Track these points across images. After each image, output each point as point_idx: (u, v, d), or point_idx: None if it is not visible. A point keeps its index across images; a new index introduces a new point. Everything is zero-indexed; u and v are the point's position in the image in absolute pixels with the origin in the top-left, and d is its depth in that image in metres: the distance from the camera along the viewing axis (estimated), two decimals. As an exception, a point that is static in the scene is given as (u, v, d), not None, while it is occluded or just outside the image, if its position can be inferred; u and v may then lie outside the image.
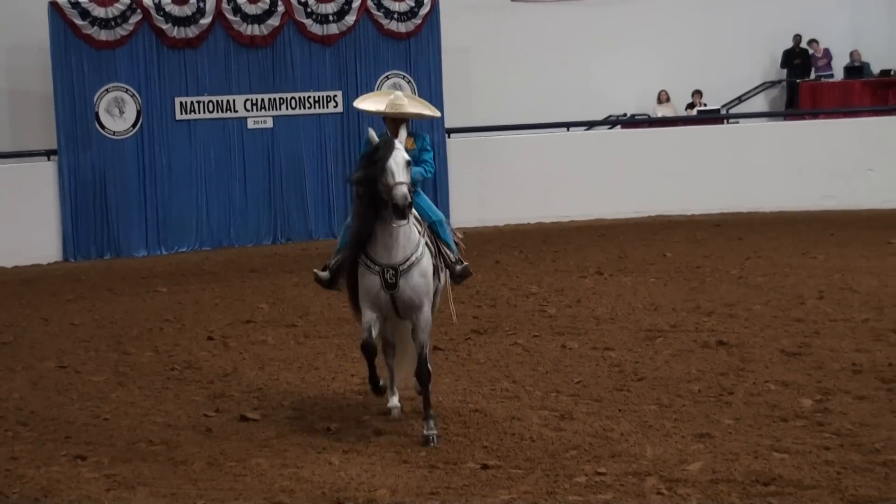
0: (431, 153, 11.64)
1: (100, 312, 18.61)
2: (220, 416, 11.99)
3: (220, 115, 26.70)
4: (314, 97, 27.28)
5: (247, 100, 26.84)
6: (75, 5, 25.67)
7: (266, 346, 15.49)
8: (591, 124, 29.86)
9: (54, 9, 25.50)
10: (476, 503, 8.99)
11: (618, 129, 30.47)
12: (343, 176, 27.17)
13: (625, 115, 30.75)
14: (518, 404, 11.92)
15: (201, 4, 26.37)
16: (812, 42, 31.83)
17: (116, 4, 25.88)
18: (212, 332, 16.52)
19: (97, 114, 25.86)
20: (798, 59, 32.04)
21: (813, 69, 32.21)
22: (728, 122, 30.68)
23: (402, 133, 10.79)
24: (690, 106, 30.96)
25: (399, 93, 11.21)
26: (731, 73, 31.57)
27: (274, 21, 26.93)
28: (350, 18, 27.42)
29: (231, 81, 26.77)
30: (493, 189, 27.74)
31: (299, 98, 27.20)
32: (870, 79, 31.95)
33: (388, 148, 10.11)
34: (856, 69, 31.96)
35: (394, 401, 11.64)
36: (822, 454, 9.80)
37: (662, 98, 31.03)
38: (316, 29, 27.26)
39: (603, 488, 9.20)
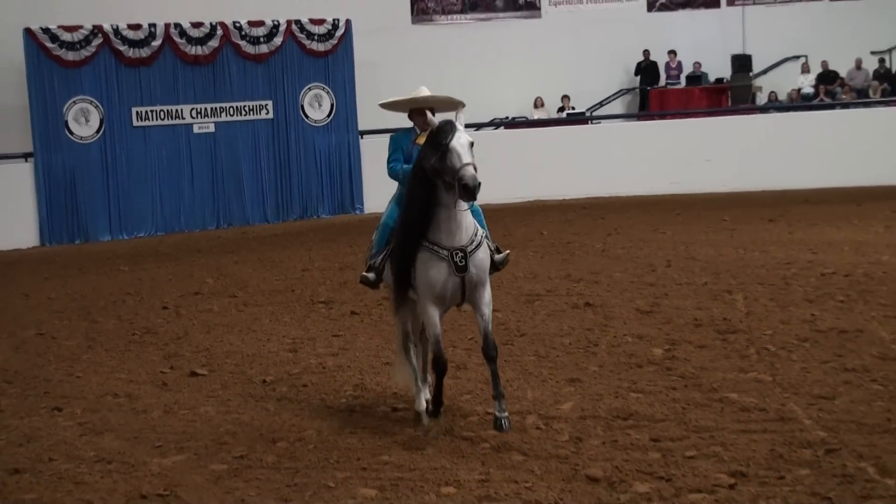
0: None
1: (71, 288, 18.48)
2: (173, 373, 11.94)
3: (170, 121, 26.63)
4: (249, 106, 27.28)
5: (192, 109, 26.80)
6: (46, 31, 25.58)
7: (212, 314, 15.42)
8: (479, 125, 29.88)
9: (28, 34, 25.45)
10: (386, 440, 9.04)
11: (501, 129, 30.54)
12: (274, 170, 27.27)
13: (507, 117, 30.81)
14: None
15: (152, 29, 26.36)
16: (671, 52, 32.05)
17: (81, 30, 25.80)
18: (166, 302, 16.43)
19: (66, 122, 25.78)
20: (647, 71, 32.29)
21: (664, 77, 32.45)
22: (592, 123, 30.88)
23: (435, 121, 8.92)
24: (561, 109, 31.06)
25: (423, 88, 9.74)
26: (593, 81, 31.73)
27: (214, 43, 26.92)
28: (278, 40, 27.46)
29: (179, 93, 26.71)
30: (399, 180, 27.68)
31: (236, 107, 27.17)
32: (707, 86, 32.24)
33: (450, 129, 8.47)
34: (696, 78, 32.21)
35: (422, 403, 9.50)
36: (670, 393, 9.90)
37: (538, 103, 31.09)
38: (249, 49, 27.25)
39: (488, 425, 9.25)
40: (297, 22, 27.77)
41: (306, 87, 27.84)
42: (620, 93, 32.72)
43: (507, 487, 7.70)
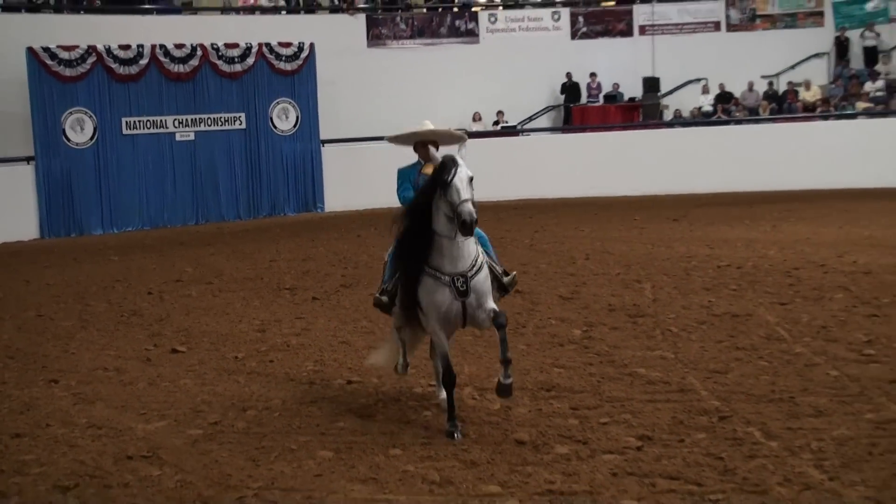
0: None
1: (67, 275, 18.31)
2: (157, 350, 11.88)
3: (155, 130, 26.44)
4: (224, 117, 27.17)
5: (175, 119, 26.64)
6: (46, 50, 25.34)
7: (190, 298, 15.34)
8: (425, 136, 29.91)
9: (31, 52, 25.19)
10: (342, 408, 9.04)
11: (445, 139, 30.54)
12: (246, 173, 27.21)
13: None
14: (373, 337, 11.94)
15: (140, 49, 26.19)
16: (591, 75, 32.19)
17: (77, 49, 25.58)
18: (151, 288, 16.33)
19: (63, 130, 25.54)
20: (570, 90, 32.43)
21: (585, 96, 32.60)
22: (522, 135, 30.98)
23: (437, 156, 8.35)
24: (496, 123, 31.11)
25: (426, 122, 9.14)
26: (524, 99, 31.81)
27: (194, 62, 26.77)
28: (250, 60, 27.38)
29: (163, 106, 26.53)
30: (356, 183, 27.69)
31: (213, 118, 27.05)
32: (622, 104, 32.42)
33: (452, 165, 7.84)
34: (612, 97, 32.38)
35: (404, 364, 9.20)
36: (587, 368, 9.96)
37: (476, 117, 31.13)
38: (225, 67, 27.15)
39: (433, 396, 9.26)
40: (268, 45, 27.69)
41: (275, 102, 27.77)
42: (547, 109, 32.79)
43: (446, 449, 7.74)
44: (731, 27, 33.21)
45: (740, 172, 27.10)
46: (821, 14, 32.99)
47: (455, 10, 32.90)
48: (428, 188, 8.10)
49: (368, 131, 28.33)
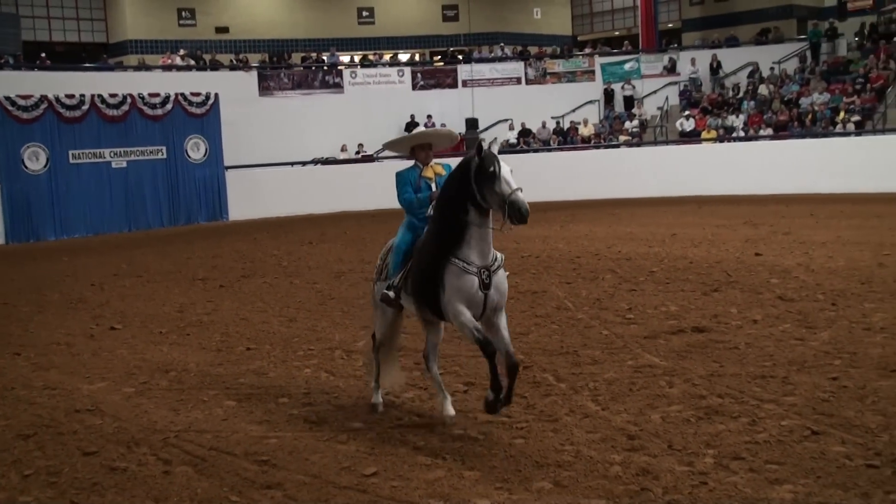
0: None
1: (28, 272, 17.64)
2: (98, 328, 11.52)
3: (96, 160, 25.64)
4: (149, 149, 26.46)
5: (111, 151, 25.88)
6: (8, 98, 24.41)
7: (125, 288, 14.91)
8: (304, 163, 29.75)
9: (-5, 101, 24.22)
10: (243, 368, 8.92)
11: (319, 165, 30.33)
12: (167, 191, 26.67)
13: (322, 158, 30.60)
14: (265, 315, 11.83)
15: (82, 98, 25.38)
16: (428, 116, 32.28)
17: (32, 98, 24.69)
18: (94, 281, 15.82)
19: (23, 160, 24.56)
20: (412, 128, 32.47)
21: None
22: (377, 161, 30.92)
23: (432, 161, 7.21)
24: (357, 152, 30.99)
25: (420, 127, 7.03)
26: (378, 134, 31.40)
27: (125, 108, 26.08)
28: (169, 106, 26.78)
29: (101, 141, 25.72)
30: (252, 198, 27.51)
31: (141, 150, 26.38)
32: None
33: (494, 158, 6.21)
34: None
35: (379, 397, 7.32)
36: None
37: (343, 148, 30.91)
38: (149, 112, 26.50)
39: (312, 358, 9.20)
40: (182, 94, 27.12)
41: (188, 137, 27.19)
42: (395, 142, 32.86)
43: (322, 397, 7.71)
44: (529, 81, 33.72)
45: (537, 187, 27.34)
46: (593, 72, 33.78)
47: (325, 68, 32.70)
48: (458, 181, 6.35)
49: (262, 159, 28.27)
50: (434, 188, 6.99)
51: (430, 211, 6.78)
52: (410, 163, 7.22)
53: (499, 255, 6.53)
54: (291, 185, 28.44)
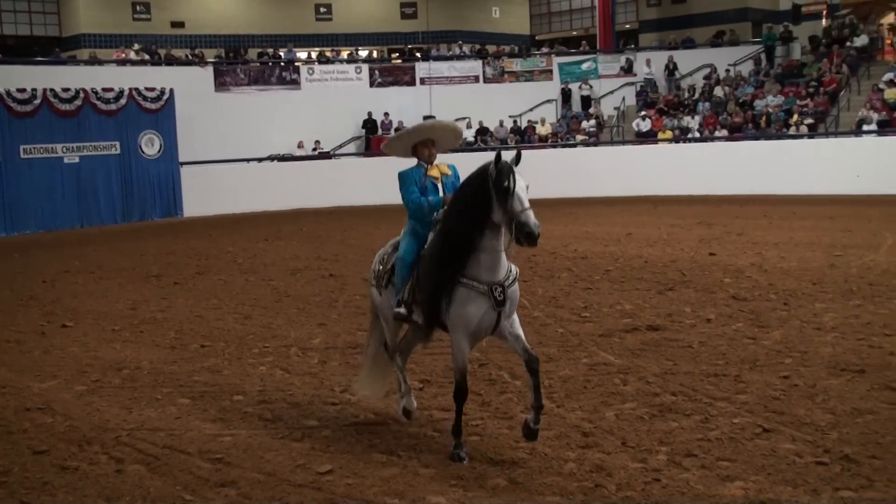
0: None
1: (-23, 268, 17.43)
2: (50, 325, 11.37)
3: (48, 155, 25.21)
4: (103, 145, 26.09)
5: (63, 146, 25.43)
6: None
7: (77, 285, 14.71)
8: (260, 159, 29.58)
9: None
10: (197, 366, 8.86)
11: (276, 161, 30.16)
12: (121, 187, 26.37)
13: (279, 154, 30.42)
14: (220, 312, 11.76)
15: (34, 92, 24.99)
16: (385, 113, 32.28)
17: (-18, 91, 24.35)
18: (45, 277, 15.58)
19: (-27, 155, 24.27)
20: (369, 125, 32.46)
21: (381, 129, 32.62)
22: (334, 158, 30.84)
23: (436, 161, 6.66)
24: (314, 149, 30.85)
25: (422, 122, 6.15)
26: (335, 131, 31.70)
27: (78, 102, 25.66)
28: (123, 101, 26.44)
29: (54, 136, 25.30)
30: (208, 195, 27.24)
31: (94, 145, 25.97)
32: (408, 135, 32.62)
33: (509, 171, 5.61)
34: (399, 130, 32.57)
35: (412, 402, 6.81)
36: (383, 331, 10.04)
37: (300, 145, 30.74)
38: (103, 106, 26.13)
39: (267, 355, 9.18)
40: (137, 89, 26.77)
41: (143, 133, 26.84)
42: (353, 139, 32.72)
43: (277, 394, 7.68)
44: (487, 80, 33.78)
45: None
46: (550, 71, 33.92)
47: (282, 64, 32.51)
48: (476, 194, 5.75)
49: (218, 155, 27.99)
50: (440, 189, 6.48)
51: (437, 215, 6.32)
52: (413, 161, 6.71)
53: (514, 268, 6.00)
54: (247, 181, 28.25)
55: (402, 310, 6.32)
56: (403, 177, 6.57)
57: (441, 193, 6.44)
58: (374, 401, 7.27)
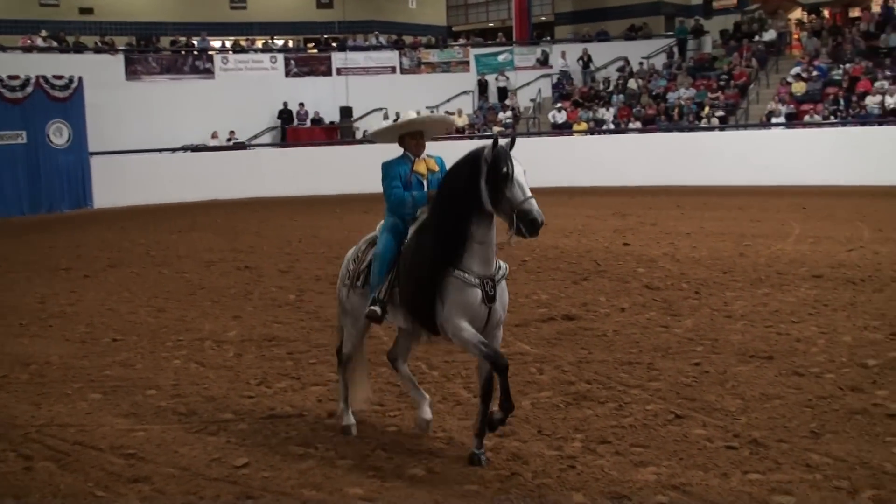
0: None
1: None
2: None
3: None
4: (8, 134, 25.44)
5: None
6: None
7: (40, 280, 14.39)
8: (173, 149, 29.10)
9: None
10: (108, 360, 8.67)
11: (189, 152, 29.68)
12: (28, 178, 25.68)
13: (192, 144, 29.93)
14: (132, 305, 11.54)
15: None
16: (300, 104, 32.05)
17: None
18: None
19: None
20: (285, 115, 32.18)
21: (297, 120, 32.40)
22: (248, 149, 30.46)
23: (425, 154, 6.30)
24: (229, 140, 30.44)
25: (410, 112, 6.42)
26: (250, 121, 31.32)
27: (-18, 89, 25.03)
28: (29, 89, 25.82)
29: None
30: (119, 185, 26.75)
31: (2, 135, 25.38)
32: (324, 126, 32.45)
33: (507, 157, 5.29)
34: (317, 121, 32.38)
35: (351, 418, 6.36)
36: (300, 323, 9.96)
37: (214, 135, 30.26)
38: (8, 94, 25.48)
39: (181, 348, 9.04)
40: (44, 77, 26.15)
41: (51, 122, 26.21)
42: (268, 129, 32.39)
43: (191, 388, 7.58)
44: (404, 70, 33.77)
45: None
46: (467, 63, 34.09)
47: (195, 53, 32.00)
48: (466, 180, 5.44)
49: (129, 145, 27.46)
50: (426, 186, 6.13)
51: (420, 212, 6.01)
52: (398, 151, 6.34)
53: (503, 264, 5.69)
54: (160, 172, 27.74)
55: (377, 308, 5.92)
56: (386, 168, 6.26)
57: (426, 190, 6.11)
58: (368, 410, 6.75)
